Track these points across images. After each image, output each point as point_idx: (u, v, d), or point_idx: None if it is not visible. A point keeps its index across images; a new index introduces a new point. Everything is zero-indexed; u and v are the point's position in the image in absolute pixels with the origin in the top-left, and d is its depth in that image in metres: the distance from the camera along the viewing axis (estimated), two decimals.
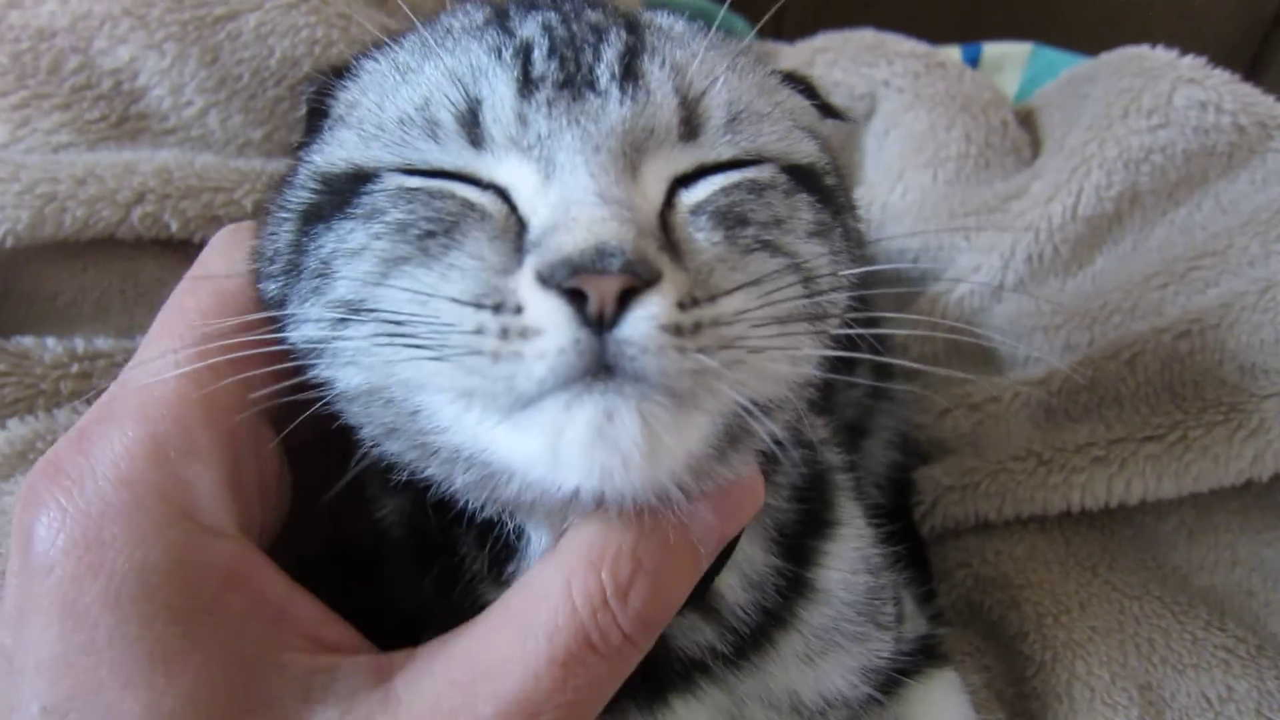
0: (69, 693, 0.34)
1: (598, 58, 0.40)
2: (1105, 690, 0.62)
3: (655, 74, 0.40)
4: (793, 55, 0.99)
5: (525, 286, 0.33)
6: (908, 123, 0.93)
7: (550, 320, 0.32)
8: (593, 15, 0.44)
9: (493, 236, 0.36)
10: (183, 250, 0.73)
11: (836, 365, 0.42)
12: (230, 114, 0.75)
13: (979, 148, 0.92)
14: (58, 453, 0.38)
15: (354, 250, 0.37)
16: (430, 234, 0.36)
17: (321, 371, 0.38)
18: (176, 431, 0.37)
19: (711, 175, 0.40)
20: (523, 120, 0.38)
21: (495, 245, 0.35)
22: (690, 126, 0.40)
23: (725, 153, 0.40)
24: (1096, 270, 0.84)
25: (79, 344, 0.72)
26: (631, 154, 0.38)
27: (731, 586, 0.46)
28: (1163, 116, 0.82)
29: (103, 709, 0.34)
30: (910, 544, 0.77)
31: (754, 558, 0.47)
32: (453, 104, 0.39)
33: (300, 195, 0.41)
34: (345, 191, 0.39)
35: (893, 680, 0.55)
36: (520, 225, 0.36)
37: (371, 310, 0.36)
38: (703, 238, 0.37)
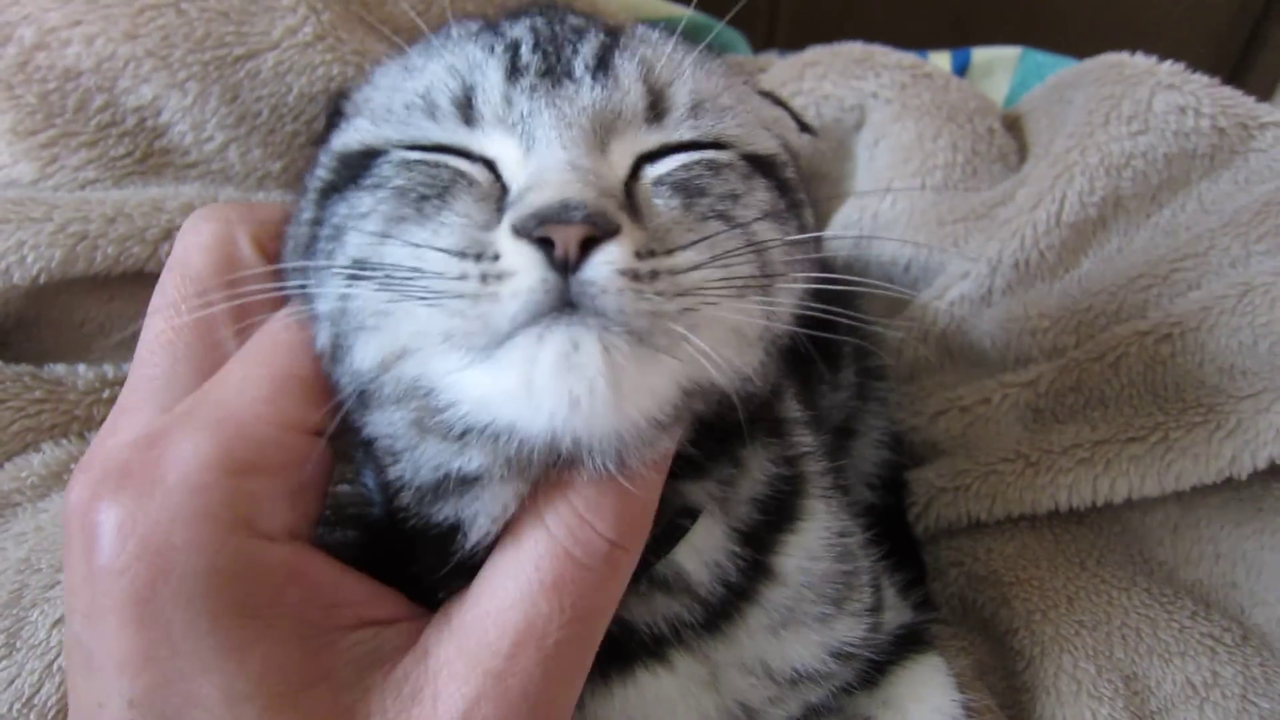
0: (151, 685, 0.37)
1: (575, 52, 0.45)
2: (1091, 682, 0.64)
3: (625, 66, 0.45)
4: (783, 69, 1.02)
5: (503, 237, 0.38)
6: (896, 133, 0.96)
7: (522, 263, 0.37)
8: (575, 20, 0.50)
9: (478, 199, 0.41)
10: None
11: (813, 357, 0.46)
12: (250, 148, 0.79)
13: (966, 156, 0.95)
14: (123, 458, 0.40)
15: (362, 214, 0.42)
16: (425, 197, 0.41)
17: (347, 364, 0.42)
18: (250, 448, 0.41)
19: (675, 154, 0.44)
20: (508, 101, 0.44)
21: (480, 206, 0.41)
22: (656, 111, 0.45)
23: (687, 135, 0.45)
24: (1082, 273, 0.87)
25: (109, 370, 0.76)
26: (601, 133, 0.43)
27: (694, 565, 0.50)
28: (1142, 123, 0.85)
29: (183, 696, 0.37)
30: (905, 543, 0.80)
31: (714, 544, 0.51)
32: (450, 90, 0.45)
33: (319, 175, 0.47)
34: (357, 167, 0.45)
35: (875, 666, 0.58)
36: (503, 191, 0.42)
37: (377, 266, 0.40)
38: (661, 203, 0.42)
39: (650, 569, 0.48)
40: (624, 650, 0.49)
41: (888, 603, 0.62)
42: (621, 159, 0.44)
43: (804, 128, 0.58)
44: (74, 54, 0.76)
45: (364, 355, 0.41)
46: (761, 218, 0.44)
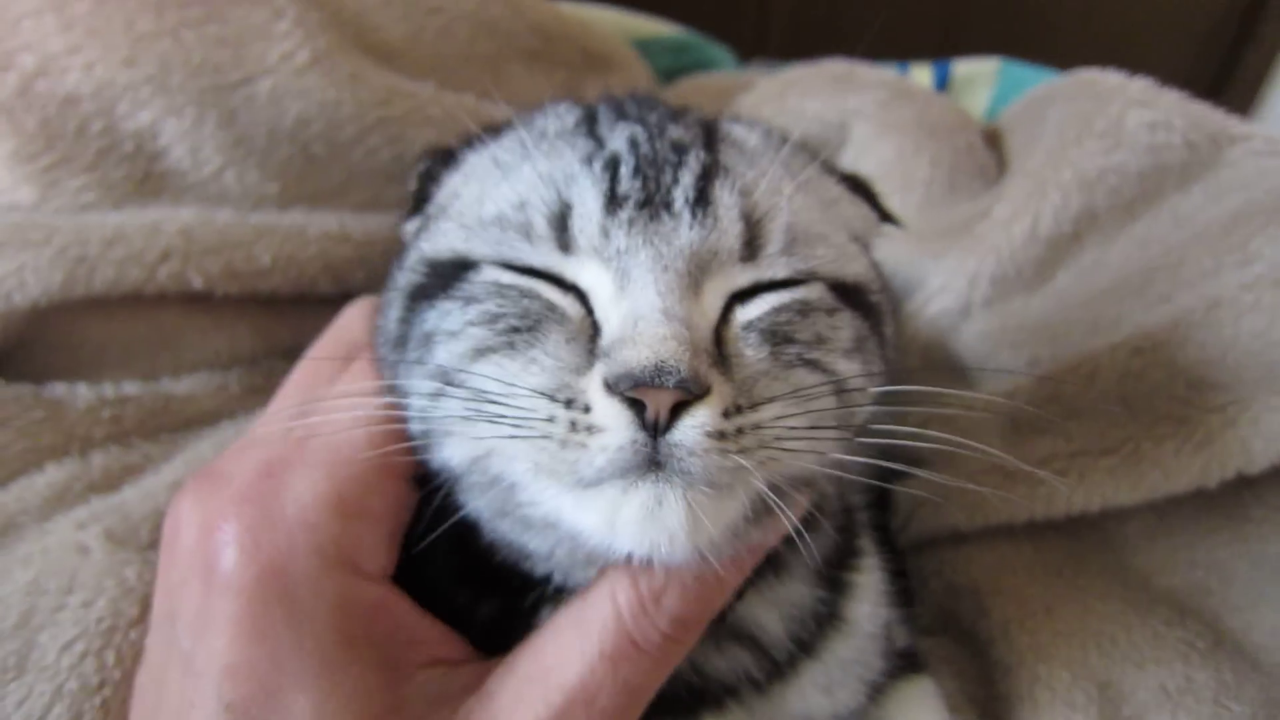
0: (251, 692, 0.41)
1: (676, 180, 0.45)
2: (1066, 691, 0.66)
3: (725, 200, 0.44)
4: (766, 88, 1.04)
5: (594, 390, 0.39)
6: (877, 150, 0.98)
7: (613, 422, 0.38)
8: (675, 131, 0.49)
9: (569, 338, 0.42)
10: (204, 302, 0.78)
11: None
12: (246, 171, 0.80)
13: (945, 171, 0.97)
14: (245, 481, 0.45)
15: (452, 331, 0.44)
16: (516, 329, 0.42)
17: (436, 453, 0.44)
18: (357, 492, 0.44)
19: (766, 293, 0.45)
20: (606, 234, 0.43)
21: (571, 347, 0.41)
22: (751, 249, 0.45)
23: (780, 273, 0.45)
24: (1059, 287, 0.89)
25: (108, 390, 0.78)
26: (696, 273, 0.43)
27: (772, 619, 0.52)
28: (1114, 139, 0.87)
29: (279, 707, 0.41)
30: (891, 556, 0.82)
31: (797, 591, 0.53)
32: (546, 206, 0.44)
33: (408, 277, 0.48)
34: (448, 275, 0.46)
35: (880, 688, 0.61)
36: (594, 328, 0.42)
37: (464, 384, 0.42)
38: (751, 353, 0.42)
39: (723, 620, 0.50)
40: (698, 698, 0.51)
41: (895, 628, 0.64)
42: (714, 299, 0.43)
43: (885, 217, 0.56)
44: (74, 81, 0.77)
45: (452, 454, 0.43)
46: (845, 356, 0.45)
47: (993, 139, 1.07)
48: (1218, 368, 0.73)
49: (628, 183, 0.44)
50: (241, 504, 0.44)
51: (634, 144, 0.46)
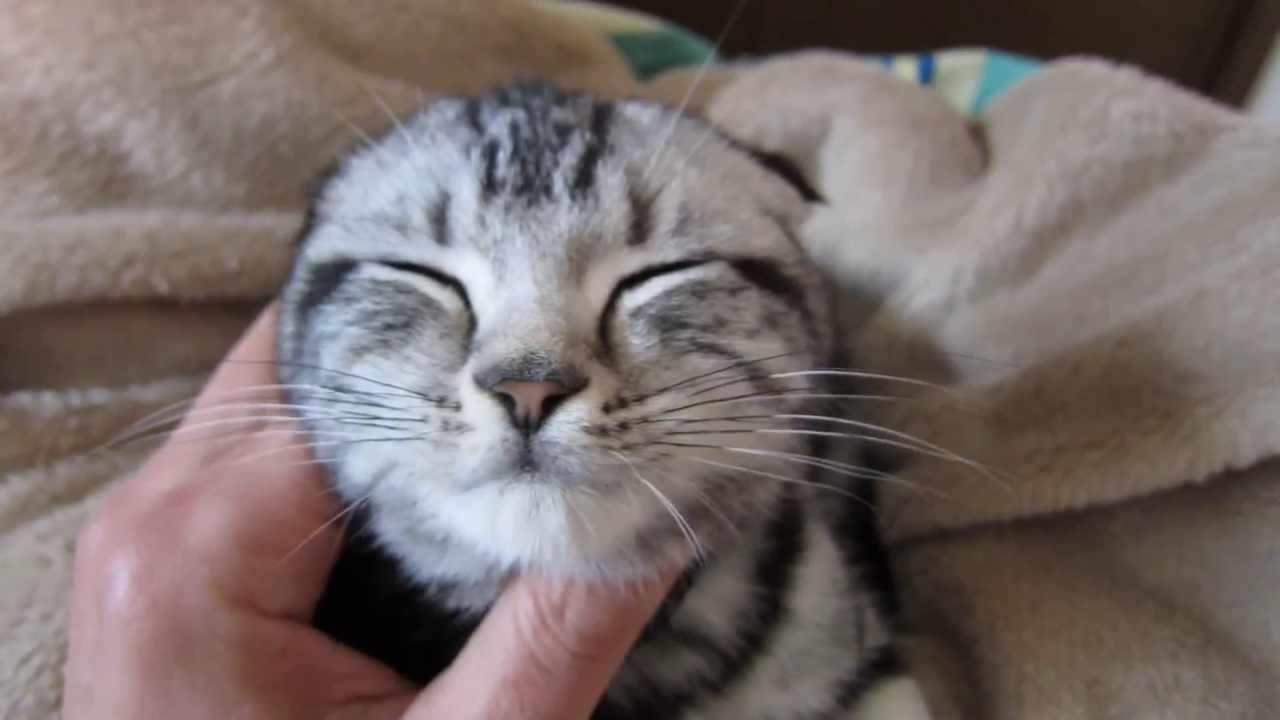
0: None
1: (556, 163, 0.42)
2: (1053, 689, 0.65)
3: (608, 180, 0.42)
4: (746, 82, 1.03)
5: (464, 386, 0.37)
6: (860, 143, 0.96)
7: (483, 419, 0.36)
8: (559, 114, 0.46)
9: (444, 334, 0.40)
10: (172, 307, 0.77)
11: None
12: (212, 173, 0.79)
13: (929, 165, 0.96)
14: (147, 509, 0.42)
15: (332, 334, 0.42)
16: (391, 326, 0.40)
17: (344, 473, 0.42)
18: (266, 526, 0.42)
19: (658, 276, 0.42)
20: (482, 222, 0.41)
21: (445, 343, 0.39)
22: (640, 230, 0.42)
23: (673, 255, 0.42)
24: (1045, 279, 0.88)
25: (74, 399, 0.76)
26: (578, 259, 0.40)
27: (715, 616, 0.50)
28: (1099, 130, 0.86)
29: None
30: (874, 554, 0.81)
31: (735, 588, 0.51)
32: (424, 199, 0.42)
33: (296, 288, 0.46)
34: (330, 279, 0.44)
35: (849, 690, 0.59)
36: (472, 323, 0.40)
37: (349, 389, 0.40)
38: (638, 342, 0.39)
39: (666, 623, 0.48)
40: (655, 713, 0.48)
41: (869, 623, 0.63)
42: (599, 287, 0.41)
43: (810, 196, 0.53)
44: (33, 84, 0.76)
45: (356, 469, 0.41)
46: (751, 336, 0.42)
47: (977, 131, 1.05)
48: (1204, 359, 0.72)
49: (505, 168, 0.42)
50: (143, 531, 0.41)
51: (514, 128, 0.44)
